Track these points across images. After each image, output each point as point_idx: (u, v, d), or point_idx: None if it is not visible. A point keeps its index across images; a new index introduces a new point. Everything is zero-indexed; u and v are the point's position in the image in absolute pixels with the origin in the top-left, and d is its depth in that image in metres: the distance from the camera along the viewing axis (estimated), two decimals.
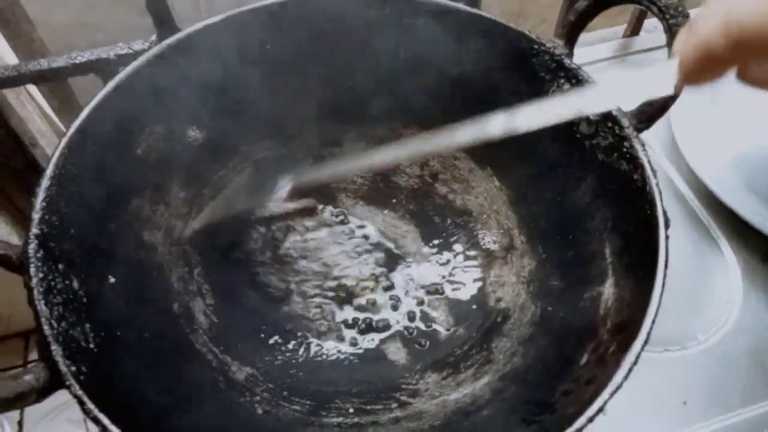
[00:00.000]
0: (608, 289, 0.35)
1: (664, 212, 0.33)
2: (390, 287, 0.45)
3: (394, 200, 0.49)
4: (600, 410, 0.27)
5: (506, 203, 0.46)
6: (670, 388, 0.43)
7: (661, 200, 0.34)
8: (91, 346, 0.31)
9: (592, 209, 0.39)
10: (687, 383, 0.44)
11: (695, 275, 0.49)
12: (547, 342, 0.37)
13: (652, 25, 0.70)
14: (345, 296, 0.44)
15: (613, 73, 0.63)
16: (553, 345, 0.37)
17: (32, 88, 0.56)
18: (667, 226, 0.33)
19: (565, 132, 0.40)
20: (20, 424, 0.56)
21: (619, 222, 0.37)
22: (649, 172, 0.35)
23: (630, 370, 0.28)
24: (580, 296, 0.37)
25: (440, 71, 0.45)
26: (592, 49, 0.66)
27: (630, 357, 0.29)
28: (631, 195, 0.36)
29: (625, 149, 0.36)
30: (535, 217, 0.43)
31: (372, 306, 0.44)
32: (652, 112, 0.36)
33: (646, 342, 0.29)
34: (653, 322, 0.30)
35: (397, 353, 0.42)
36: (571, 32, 0.41)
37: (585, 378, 0.31)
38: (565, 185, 0.41)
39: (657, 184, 0.35)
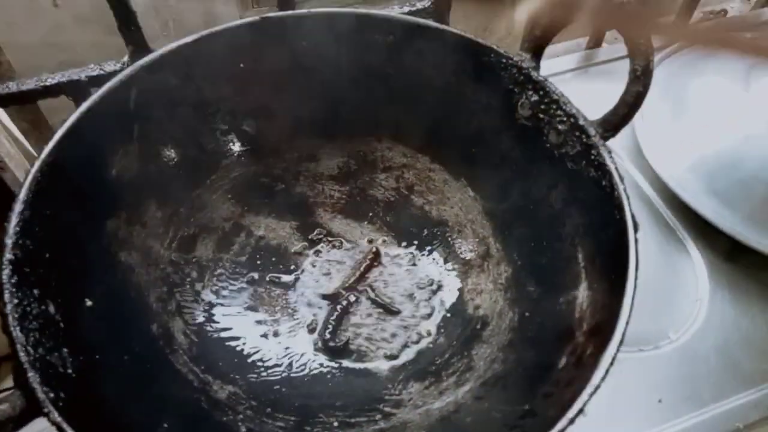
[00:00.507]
0: (582, 293, 0.36)
1: (633, 216, 0.35)
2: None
3: (371, 213, 0.50)
4: (580, 411, 0.28)
5: (481, 212, 0.47)
6: (645, 387, 0.45)
7: (630, 205, 0.35)
8: (70, 371, 0.31)
9: (564, 215, 0.40)
10: (661, 381, 0.45)
11: (664, 276, 0.51)
12: (526, 347, 0.38)
13: (613, 36, 0.73)
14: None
15: (577, 84, 0.65)
16: (532, 349, 0.38)
17: None
18: (636, 229, 0.34)
19: (535, 142, 0.41)
20: None
21: (590, 227, 0.38)
22: (616, 178, 0.36)
23: (607, 371, 0.29)
24: (556, 301, 0.38)
25: (413, 86, 0.46)
26: (556, 61, 0.68)
27: (606, 358, 0.30)
28: (601, 201, 0.37)
29: (593, 157, 0.38)
30: (510, 225, 0.45)
31: None
32: (616, 121, 0.38)
33: (621, 343, 0.30)
34: (627, 323, 0.31)
35: (379, 365, 0.42)
36: (537, 46, 0.43)
37: (564, 380, 0.32)
38: (537, 193, 0.42)
39: (625, 190, 0.36)
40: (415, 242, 0.48)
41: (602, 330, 0.33)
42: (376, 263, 0.47)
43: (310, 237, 0.48)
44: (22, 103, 0.50)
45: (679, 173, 0.53)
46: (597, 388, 0.29)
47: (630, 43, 0.37)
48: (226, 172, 0.48)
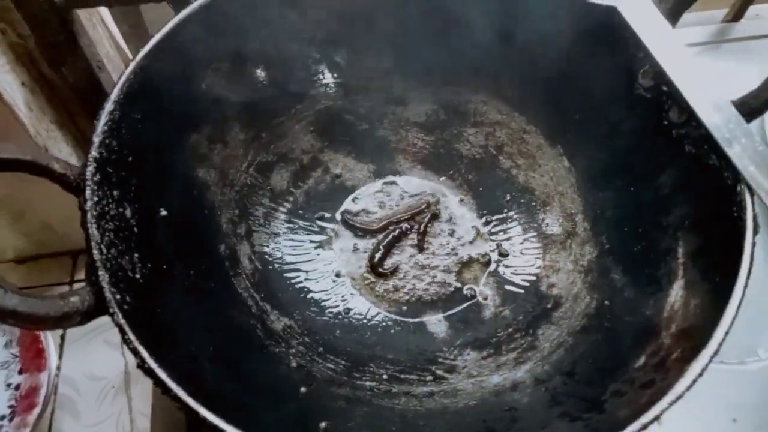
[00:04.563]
0: (676, 291, 0.33)
1: (755, 217, 0.30)
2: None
3: (453, 168, 0.47)
4: (656, 418, 0.26)
5: (573, 186, 0.43)
6: (721, 402, 0.41)
7: (753, 203, 0.31)
8: (138, 276, 0.31)
9: (670, 204, 0.36)
10: (741, 400, 0.41)
11: (764, 285, 0.46)
12: (600, 337, 0.35)
13: (755, 12, 0.64)
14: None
15: (706, 60, 0.58)
16: (606, 341, 0.35)
17: (104, 12, 0.56)
18: (756, 232, 0.30)
19: (652, 117, 0.37)
20: (62, 338, 0.58)
21: (699, 221, 0.34)
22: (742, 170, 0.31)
23: (694, 381, 0.26)
24: (643, 294, 0.35)
25: (522, 36, 0.42)
26: (685, 32, 0.61)
27: (696, 367, 0.27)
28: (718, 193, 0.32)
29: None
30: (604, 204, 0.41)
31: None
32: (757, 105, 0.33)
33: (715, 354, 0.27)
34: (727, 333, 0.28)
35: (437, 326, 0.41)
36: (674, 9, 0.38)
37: (641, 381, 0.29)
38: (643, 174, 0.38)
39: (749, 186, 0.31)
40: (494, 205, 0.45)
41: (694, 335, 0.29)
42: (426, 208, 0.45)
43: (385, 182, 0.47)
44: (125, 4, 0.50)
45: None
46: (679, 397, 0.26)
47: None
48: (312, 103, 0.46)
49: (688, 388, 0.26)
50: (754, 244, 0.30)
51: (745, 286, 0.29)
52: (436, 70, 0.46)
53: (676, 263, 0.34)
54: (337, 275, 0.43)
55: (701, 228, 0.34)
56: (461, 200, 0.46)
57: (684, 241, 0.34)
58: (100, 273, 0.29)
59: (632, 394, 0.29)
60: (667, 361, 0.29)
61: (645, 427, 0.25)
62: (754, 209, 0.31)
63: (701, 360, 0.27)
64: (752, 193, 0.31)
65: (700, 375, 0.27)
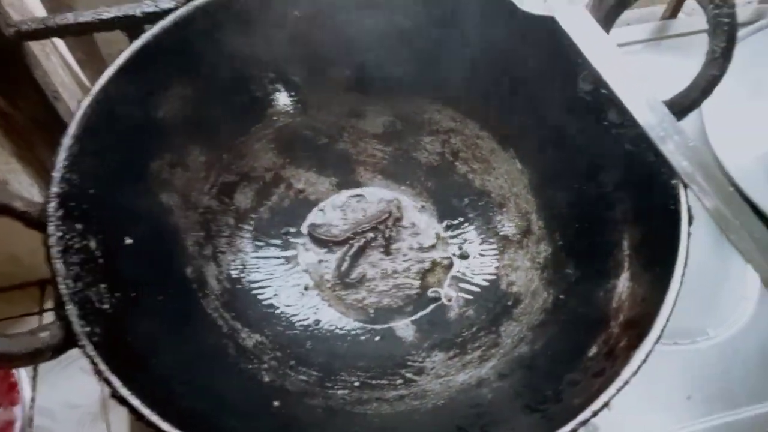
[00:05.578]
0: (623, 282, 0.35)
1: (689, 209, 0.33)
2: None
3: (412, 176, 0.49)
4: (605, 405, 0.27)
5: (527, 187, 0.45)
6: (675, 381, 0.44)
7: (687, 196, 0.33)
8: (106, 306, 0.32)
9: (614, 199, 0.38)
10: (693, 378, 0.44)
11: (712, 269, 0.49)
12: (557, 330, 0.37)
13: (690, 7, 0.67)
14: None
15: (648, 57, 0.61)
16: (562, 333, 0.37)
17: (57, 40, 0.55)
18: (690, 222, 0.32)
19: (594, 118, 0.39)
20: (35, 368, 0.58)
21: (640, 214, 0.36)
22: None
23: (639, 367, 0.28)
24: (594, 287, 0.37)
25: (471, 48, 0.44)
26: (626, 30, 0.64)
27: (640, 353, 0.29)
28: (656, 188, 0.35)
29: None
30: (555, 203, 0.43)
31: None
32: (686, 104, 0.35)
33: (658, 339, 0.29)
34: (667, 320, 0.30)
35: (405, 330, 0.42)
36: (608, 16, 0.40)
37: (593, 370, 0.31)
38: (588, 173, 0.40)
39: (683, 179, 0.34)
40: (454, 210, 0.47)
41: (639, 324, 0.31)
42: (389, 218, 0.46)
43: (347, 194, 0.48)
44: (78, 35, 0.51)
45: (745, 164, 0.50)
46: (626, 383, 0.28)
47: (711, 17, 0.34)
48: (271, 121, 0.47)
49: (634, 374, 0.28)
50: (689, 234, 0.32)
51: (683, 275, 0.31)
52: (390, 81, 0.47)
53: (622, 255, 0.36)
54: (306, 288, 0.44)
55: (642, 221, 0.36)
56: (422, 207, 0.48)
57: (628, 234, 0.36)
58: (68, 307, 0.29)
59: (585, 383, 0.31)
60: (616, 350, 0.31)
61: (595, 414, 0.27)
62: (687, 201, 0.33)
63: (645, 347, 0.29)
64: (686, 186, 0.34)
65: (644, 361, 0.29)
